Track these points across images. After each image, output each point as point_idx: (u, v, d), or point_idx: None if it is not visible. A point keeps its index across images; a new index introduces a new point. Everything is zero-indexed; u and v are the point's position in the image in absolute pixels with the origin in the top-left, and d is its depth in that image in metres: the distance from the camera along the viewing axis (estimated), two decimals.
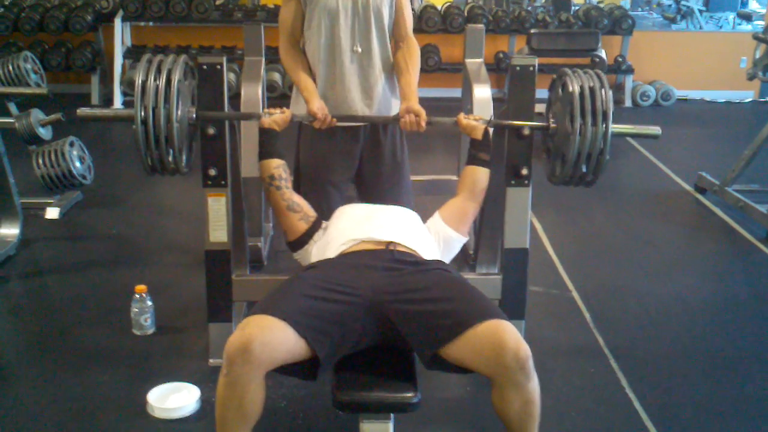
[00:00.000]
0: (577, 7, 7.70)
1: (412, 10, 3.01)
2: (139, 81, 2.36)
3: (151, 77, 2.37)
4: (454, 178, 3.78)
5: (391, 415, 2.01)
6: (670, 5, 8.28)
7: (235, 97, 3.32)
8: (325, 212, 2.60)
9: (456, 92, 4.05)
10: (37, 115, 3.71)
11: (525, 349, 1.89)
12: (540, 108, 2.69)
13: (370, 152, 2.91)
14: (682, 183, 5.08)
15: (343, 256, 2.27)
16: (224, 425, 1.93)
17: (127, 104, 6.78)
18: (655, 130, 2.63)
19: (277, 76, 6.90)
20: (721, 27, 8.18)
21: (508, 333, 1.90)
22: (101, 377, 2.71)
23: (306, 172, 2.93)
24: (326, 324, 1.98)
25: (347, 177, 2.94)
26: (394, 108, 2.88)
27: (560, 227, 4.29)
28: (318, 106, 2.67)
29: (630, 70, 7.39)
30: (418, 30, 6.53)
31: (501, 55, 7.37)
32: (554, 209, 4.43)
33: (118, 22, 6.87)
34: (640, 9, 8.69)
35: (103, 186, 4.50)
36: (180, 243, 3.91)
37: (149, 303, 2.98)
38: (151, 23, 7.29)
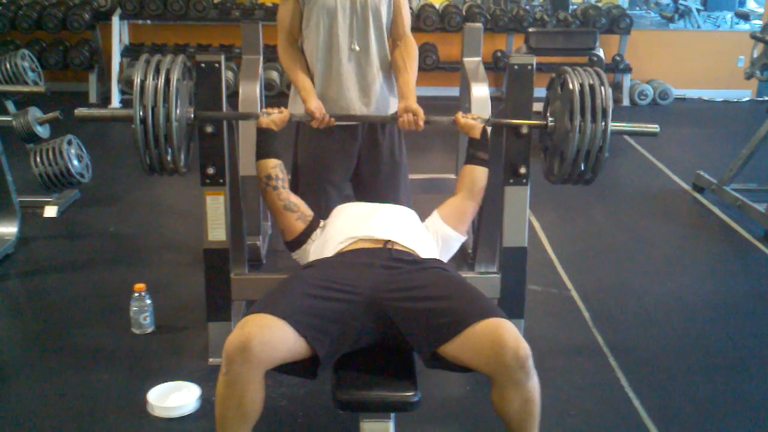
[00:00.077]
0: (575, 6, 7.71)
1: (410, 9, 3.01)
2: (137, 80, 2.36)
3: (150, 77, 2.36)
4: (453, 176, 3.78)
5: (392, 414, 2.01)
6: (668, 4, 8.29)
7: (234, 96, 3.32)
8: (323, 211, 2.60)
9: (454, 91, 4.05)
10: (34, 113, 3.71)
11: (525, 348, 1.89)
12: (538, 107, 2.70)
13: (368, 151, 2.91)
14: (680, 182, 5.09)
15: (341, 255, 2.27)
16: (224, 424, 1.93)
17: (125, 103, 6.78)
18: (654, 127, 2.63)
19: (275, 75, 6.90)
20: (718, 26, 8.19)
21: (508, 331, 1.90)
22: (101, 376, 2.71)
23: (304, 172, 2.93)
24: (325, 322, 1.98)
25: (345, 176, 2.95)
26: (392, 106, 2.88)
27: (559, 226, 4.29)
28: (315, 106, 2.67)
29: (628, 69, 7.40)
30: (416, 29, 6.52)
31: (499, 54, 7.38)
32: (553, 208, 4.43)
33: (115, 20, 6.87)
34: (638, 8, 8.71)
35: (102, 184, 4.50)
36: (179, 241, 3.90)
37: (148, 302, 2.98)
38: (149, 21, 7.28)
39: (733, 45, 7.63)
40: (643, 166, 5.50)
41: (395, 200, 2.75)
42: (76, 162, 3.83)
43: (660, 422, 2.51)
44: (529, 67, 2.63)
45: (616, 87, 7.39)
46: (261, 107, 3.48)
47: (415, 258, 2.26)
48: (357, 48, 2.75)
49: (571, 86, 2.45)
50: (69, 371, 2.75)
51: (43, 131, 3.76)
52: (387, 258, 2.20)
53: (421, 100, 2.74)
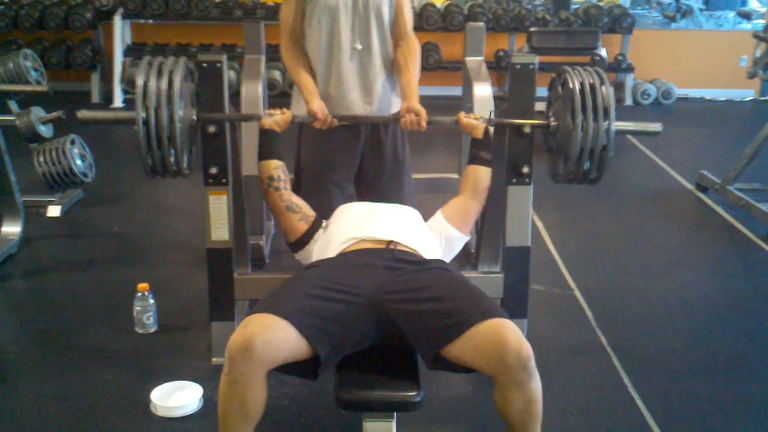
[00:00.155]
0: (577, 6, 7.70)
1: (412, 8, 3.01)
2: (140, 82, 2.36)
3: (153, 78, 2.36)
4: (455, 176, 3.78)
5: (394, 414, 2.01)
6: (670, 3, 8.27)
7: (236, 95, 3.32)
8: (326, 211, 2.60)
9: (456, 90, 4.05)
10: (37, 112, 3.71)
11: (527, 349, 1.88)
12: (540, 106, 2.69)
13: (372, 151, 2.91)
14: (684, 182, 5.08)
15: (344, 255, 2.27)
16: (227, 424, 1.93)
17: (128, 102, 6.79)
18: (656, 126, 2.63)
19: (277, 74, 6.90)
20: (721, 25, 8.18)
21: (510, 332, 1.90)
22: (104, 376, 2.71)
23: (307, 171, 2.93)
24: (328, 323, 1.98)
25: (349, 175, 2.94)
26: (395, 105, 2.88)
27: (562, 226, 4.29)
28: (318, 107, 2.67)
29: (630, 69, 7.39)
30: (418, 28, 6.53)
31: (501, 54, 7.37)
32: (556, 208, 4.43)
33: (118, 19, 6.87)
34: (640, 7, 8.69)
35: (105, 184, 4.50)
36: (182, 241, 3.90)
37: (151, 301, 2.98)
38: (151, 21, 7.28)
39: (735, 44, 7.61)
40: (646, 166, 5.49)
41: (399, 200, 2.75)
42: (79, 161, 3.82)
43: (663, 422, 2.51)
44: (531, 67, 2.63)
45: (619, 86, 7.38)
46: (263, 107, 3.48)
47: (417, 258, 2.25)
48: (359, 47, 2.75)
49: (571, 85, 2.45)
50: (72, 371, 2.75)
51: (46, 131, 3.76)
52: (390, 258, 2.20)
53: (423, 100, 2.74)
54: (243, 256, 2.92)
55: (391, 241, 2.27)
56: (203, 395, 2.54)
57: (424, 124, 2.67)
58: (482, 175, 2.61)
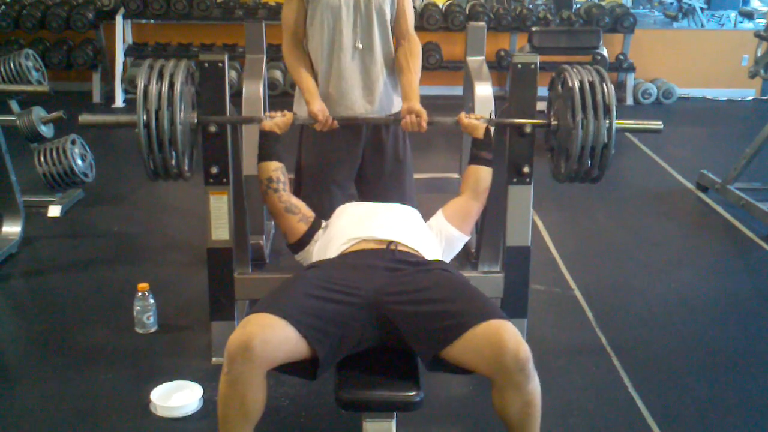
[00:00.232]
0: (578, 5, 7.70)
1: (414, 7, 3.01)
2: (140, 85, 2.36)
3: (153, 81, 2.36)
4: (456, 176, 3.78)
5: (394, 414, 2.01)
6: (671, 3, 8.27)
7: (237, 95, 3.32)
8: (327, 211, 2.60)
9: (457, 90, 4.05)
10: (38, 112, 3.71)
11: (525, 350, 1.88)
12: (542, 106, 2.69)
13: (373, 150, 2.91)
14: (684, 181, 5.08)
15: (344, 256, 2.26)
16: (226, 423, 1.93)
17: (129, 102, 6.79)
18: (657, 124, 2.62)
19: (278, 74, 6.90)
20: (722, 25, 8.17)
21: (508, 333, 1.89)
22: (104, 375, 2.71)
23: (308, 171, 2.93)
24: (327, 324, 1.98)
25: (350, 175, 2.94)
26: (396, 104, 2.88)
27: (562, 225, 4.29)
28: (319, 108, 2.67)
29: (631, 68, 7.39)
30: (419, 28, 6.53)
31: (502, 53, 7.37)
32: (556, 207, 4.43)
33: (119, 19, 6.87)
34: (641, 7, 8.69)
35: (105, 184, 4.50)
36: (182, 241, 3.91)
37: (152, 301, 2.98)
38: (152, 21, 7.28)
39: (737, 44, 7.61)
40: (646, 165, 5.49)
41: (399, 199, 2.75)
42: (79, 161, 3.83)
43: (663, 422, 2.51)
44: (533, 66, 2.63)
45: (620, 86, 7.38)
46: (264, 107, 3.48)
47: (417, 259, 2.25)
48: (361, 46, 2.76)
49: (571, 84, 2.45)
50: (72, 370, 2.75)
51: (47, 131, 3.77)
52: (390, 259, 2.20)
53: (424, 100, 2.74)
54: (243, 256, 2.92)
55: (391, 242, 2.27)
56: (203, 395, 2.54)
57: (424, 125, 2.68)
58: (483, 175, 2.61)
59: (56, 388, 2.65)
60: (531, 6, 7.55)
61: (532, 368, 1.89)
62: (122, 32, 6.92)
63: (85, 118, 2.51)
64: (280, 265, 3.62)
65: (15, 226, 3.76)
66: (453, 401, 2.63)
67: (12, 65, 3.80)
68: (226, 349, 1.87)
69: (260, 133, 2.58)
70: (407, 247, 2.28)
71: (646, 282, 3.59)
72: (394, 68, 2.85)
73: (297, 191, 2.93)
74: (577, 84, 2.44)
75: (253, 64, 3.58)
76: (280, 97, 6.61)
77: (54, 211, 4.21)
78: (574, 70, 2.50)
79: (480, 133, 2.64)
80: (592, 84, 2.45)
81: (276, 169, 2.52)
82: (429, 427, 2.47)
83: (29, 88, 3.74)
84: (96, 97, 7.02)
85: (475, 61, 3.46)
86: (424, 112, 2.67)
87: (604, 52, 6.98)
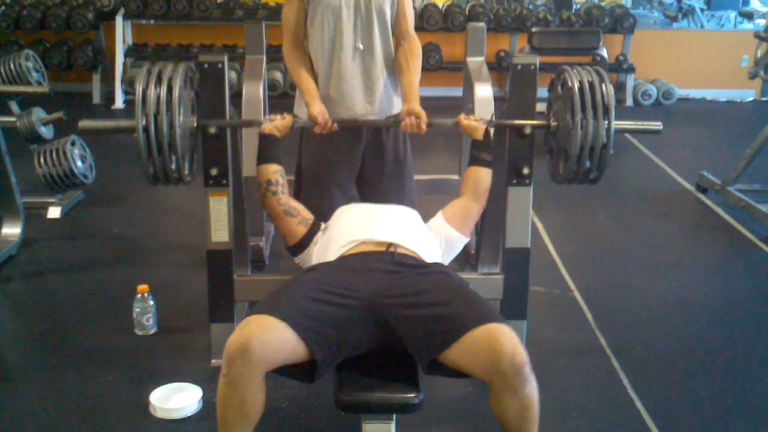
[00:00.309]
0: (578, 6, 7.71)
1: (414, 8, 3.01)
2: (139, 90, 2.36)
3: (152, 85, 2.36)
4: (456, 177, 3.78)
5: (394, 415, 2.01)
6: (671, 4, 8.28)
7: (237, 96, 3.32)
8: (328, 212, 2.60)
9: (457, 91, 4.05)
10: (38, 113, 3.71)
11: (522, 354, 1.87)
12: (541, 107, 2.69)
13: (373, 152, 2.91)
14: (684, 182, 5.08)
15: (344, 259, 2.26)
16: (226, 425, 1.93)
17: (129, 103, 6.79)
18: (657, 125, 2.62)
19: (278, 75, 6.90)
20: (722, 26, 8.18)
21: (505, 337, 1.88)
22: (103, 377, 2.71)
23: (309, 173, 2.92)
24: (326, 326, 1.98)
25: (350, 176, 2.94)
26: (396, 105, 2.88)
27: (562, 227, 4.29)
28: (318, 110, 2.67)
29: (631, 69, 7.39)
30: (419, 28, 6.53)
31: (502, 54, 7.37)
32: (556, 209, 4.43)
33: (119, 20, 6.88)
34: (641, 7, 8.70)
35: (105, 185, 4.50)
36: (182, 242, 3.91)
37: (151, 303, 2.98)
38: (152, 21, 7.29)
39: (736, 44, 7.62)
40: (646, 167, 5.49)
41: (400, 201, 2.75)
42: (79, 163, 3.83)
43: (662, 423, 2.50)
44: (533, 67, 2.63)
45: (620, 87, 7.39)
46: (264, 108, 3.48)
47: (417, 262, 2.24)
48: (361, 47, 2.75)
49: (570, 84, 2.45)
50: (71, 372, 2.75)
51: (46, 132, 3.77)
52: (389, 262, 2.19)
53: (424, 101, 2.74)
54: (243, 258, 2.92)
55: (391, 244, 2.27)
56: (203, 397, 2.54)
57: (424, 126, 2.67)
58: (483, 176, 2.60)
59: (55, 389, 2.65)
60: (531, 7, 7.56)
61: (530, 372, 1.88)
62: (122, 33, 6.93)
63: (84, 123, 2.50)
64: (279, 266, 3.61)
65: (15, 227, 3.76)
66: (452, 403, 2.62)
67: (12, 66, 3.80)
68: (225, 351, 1.87)
69: (259, 136, 2.58)
70: (407, 249, 2.28)
71: (645, 283, 3.59)
72: (395, 69, 2.85)
73: (297, 193, 2.94)
74: (576, 84, 2.44)
75: (253, 65, 3.58)
76: (280, 98, 6.61)
77: (54, 212, 4.21)
78: (574, 71, 2.50)
79: (479, 135, 2.63)
80: (591, 84, 2.45)
81: (275, 172, 2.52)
82: (428, 428, 2.47)
83: (29, 89, 3.74)
84: (96, 98, 7.03)
85: (475, 61, 3.46)
86: (423, 114, 2.67)
87: (604, 52, 6.98)
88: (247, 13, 6.94)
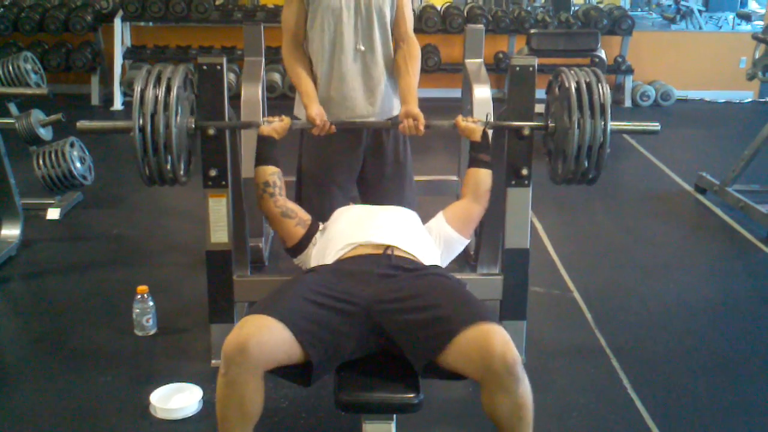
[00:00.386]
0: (576, 8, 7.72)
1: (412, 10, 3.01)
2: (137, 90, 2.36)
3: (150, 86, 2.36)
4: (455, 178, 3.78)
5: (394, 415, 2.01)
6: (669, 5, 8.30)
7: (235, 98, 3.32)
8: (328, 214, 2.59)
9: (456, 92, 4.05)
10: (37, 115, 3.71)
11: (513, 353, 1.86)
12: (540, 108, 2.69)
13: (373, 153, 2.91)
14: (683, 183, 5.08)
15: (341, 262, 2.25)
16: (225, 424, 1.93)
17: (128, 105, 6.78)
18: (654, 125, 2.63)
19: (277, 77, 6.90)
20: (720, 27, 8.20)
21: (496, 337, 1.88)
22: (103, 378, 2.71)
23: (310, 174, 2.92)
24: (322, 330, 1.98)
25: (351, 177, 2.94)
26: (397, 107, 2.88)
27: (561, 227, 4.29)
28: (316, 112, 2.67)
29: (629, 71, 7.40)
30: (417, 30, 6.53)
31: (501, 56, 7.38)
32: (555, 209, 4.43)
33: (117, 22, 6.88)
34: (639, 9, 8.71)
35: (104, 186, 4.50)
36: (181, 243, 3.91)
37: (151, 303, 2.98)
38: (150, 23, 7.29)
39: (734, 46, 7.62)
40: (645, 168, 5.50)
41: (400, 201, 2.75)
42: (78, 164, 3.83)
43: (662, 423, 2.51)
44: (531, 69, 2.63)
45: (618, 88, 7.39)
46: (263, 110, 3.48)
47: (414, 265, 2.23)
48: (362, 48, 2.76)
49: (567, 84, 2.46)
50: (71, 373, 2.75)
51: (45, 133, 3.76)
52: (386, 266, 2.19)
53: (423, 102, 2.74)
54: (242, 259, 2.93)
55: (388, 246, 2.26)
56: (203, 397, 2.54)
57: (422, 128, 2.68)
58: (483, 177, 2.60)
59: (55, 390, 2.65)
60: (529, 8, 7.57)
61: (522, 371, 1.87)
62: (121, 35, 6.93)
63: (82, 124, 2.51)
64: (279, 267, 3.62)
65: (14, 228, 3.76)
66: (452, 403, 2.62)
67: (11, 68, 3.80)
68: (223, 350, 1.87)
69: (258, 138, 2.58)
70: (404, 251, 2.28)
71: (644, 283, 3.59)
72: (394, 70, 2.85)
73: (298, 194, 2.94)
74: (573, 85, 2.45)
75: (252, 67, 3.59)
76: (279, 99, 6.61)
77: (53, 213, 4.21)
78: (571, 72, 2.51)
79: (477, 137, 2.64)
80: (588, 84, 2.45)
81: (272, 174, 2.51)
82: (428, 428, 2.47)
83: (28, 91, 3.74)
84: (95, 100, 7.02)
85: (474, 63, 3.47)
86: (421, 116, 2.67)
87: (603, 54, 6.98)
88: (246, 15, 6.95)
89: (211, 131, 2.56)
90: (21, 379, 2.77)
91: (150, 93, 2.35)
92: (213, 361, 2.76)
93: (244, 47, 3.74)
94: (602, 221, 4.45)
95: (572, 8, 7.67)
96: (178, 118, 2.39)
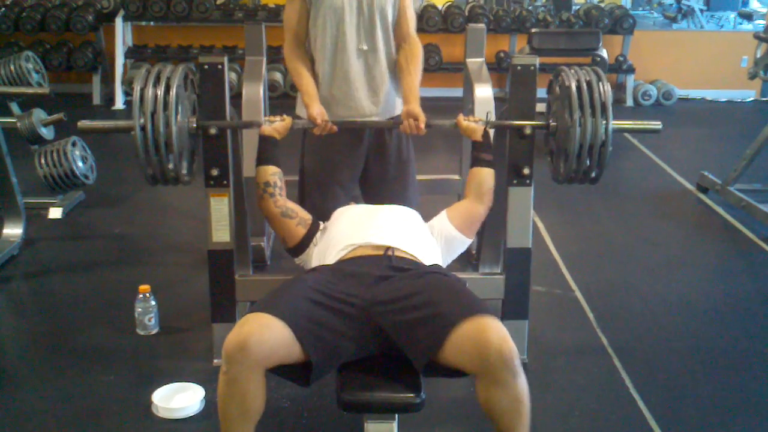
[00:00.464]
0: (578, 7, 7.72)
1: (414, 10, 3.01)
2: (137, 89, 2.36)
3: (150, 85, 2.36)
4: (456, 177, 3.78)
5: (396, 415, 2.01)
6: (671, 4, 8.29)
7: (237, 97, 3.32)
8: (330, 213, 2.59)
9: (457, 92, 4.05)
10: (39, 114, 3.71)
11: (510, 346, 1.85)
12: (541, 108, 2.69)
13: (376, 152, 2.91)
14: (685, 182, 5.08)
15: (342, 263, 2.25)
16: (227, 422, 1.93)
17: (129, 104, 6.79)
18: (656, 124, 2.63)
19: (278, 76, 6.90)
20: (722, 26, 8.19)
21: (492, 329, 1.87)
22: (105, 377, 2.71)
23: (312, 174, 2.93)
24: (323, 330, 1.98)
25: (353, 177, 2.94)
26: (399, 106, 2.88)
27: (563, 227, 4.29)
28: (317, 112, 2.66)
29: (631, 70, 7.40)
30: (419, 29, 6.49)
31: (502, 55, 7.38)
32: (557, 209, 4.43)
33: (119, 21, 6.89)
34: (641, 8, 8.71)
35: (106, 186, 4.50)
36: (183, 243, 3.91)
37: (153, 303, 2.98)
38: (152, 23, 7.30)
39: (736, 45, 7.62)
40: (647, 167, 5.49)
41: (403, 201, 2.75)
42: (80, 163, 3.83)
43: (664, 423, 2.50)
44: (532, 68, 2.63)
45: (620, 87, 7.39)
46: (264, 109, 3.48)
47: (413, 265, 2.23)
48: (365, 47, 2.76)
49: (567, 83, 2.46)
50: (73, 372, 2.75)
51: (47, 133, 3.77)
52: (386, 267, 2.18)
53: (424, 101, 2.74)
54: (244, 258, 2.93)
55: (389, 247, 2.26)
56: (205, 397, 2.54)
57: (423, 128, 2.68)
58: (485, 176, 2.60)
59: (57, 389, 2.65)
60: (530, 7, 7.57)
61: (519, 365, 1.86)
62: (122, 34, 6.93)
63: (84, 124, 2.51)
64: (281, 266, 3.62)
65: (16, 228, 3.76)
66: (454, 403, 2.62)
67: (12, 67, 3.81)
68: (224, 349, 1.88)
69: (259, 138, 2.58)
70: (405, 252, 2.27)
71: (646, 283, 3.59)
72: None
73: (301, 193, 2.94)
74: (574, 84, 2.45)
75: (253, 66, 3.59)
76: (280, 98, 6.61)
77: (55, 213, 4.21)
78: (572, 71, 2.50)
79: (478, 136, 2.64)
80: (589, 83, 2.45)
81: (273, 174, 2.51)
82: (430, 428, 2.47)
83: (29, 91, 3.74)
84: (96, 99, 7.03)
85: (475, 62, 3.47)
86: (422, 116, 2.67)
87: (604, 53, 6.98)
88: (247, 15, 6.95)
89: (213, 131, 2.56)
90: (23, 378, 2.77)
91: (150, 92, 2.35)
92: (215, 361, 2.76)
93: (245, 46, 3.74)
94: (604, 221, 4.45)
95: (573, 7, 7.68)
96: (179, 116, 2.39)
